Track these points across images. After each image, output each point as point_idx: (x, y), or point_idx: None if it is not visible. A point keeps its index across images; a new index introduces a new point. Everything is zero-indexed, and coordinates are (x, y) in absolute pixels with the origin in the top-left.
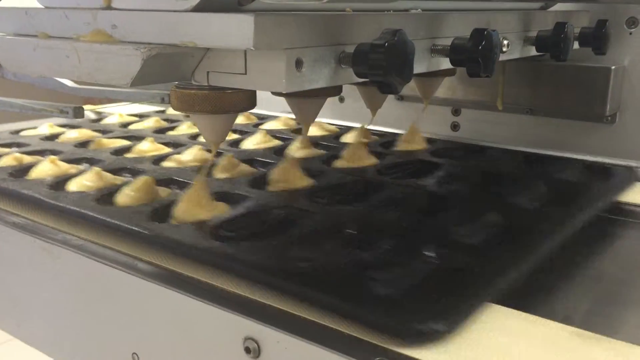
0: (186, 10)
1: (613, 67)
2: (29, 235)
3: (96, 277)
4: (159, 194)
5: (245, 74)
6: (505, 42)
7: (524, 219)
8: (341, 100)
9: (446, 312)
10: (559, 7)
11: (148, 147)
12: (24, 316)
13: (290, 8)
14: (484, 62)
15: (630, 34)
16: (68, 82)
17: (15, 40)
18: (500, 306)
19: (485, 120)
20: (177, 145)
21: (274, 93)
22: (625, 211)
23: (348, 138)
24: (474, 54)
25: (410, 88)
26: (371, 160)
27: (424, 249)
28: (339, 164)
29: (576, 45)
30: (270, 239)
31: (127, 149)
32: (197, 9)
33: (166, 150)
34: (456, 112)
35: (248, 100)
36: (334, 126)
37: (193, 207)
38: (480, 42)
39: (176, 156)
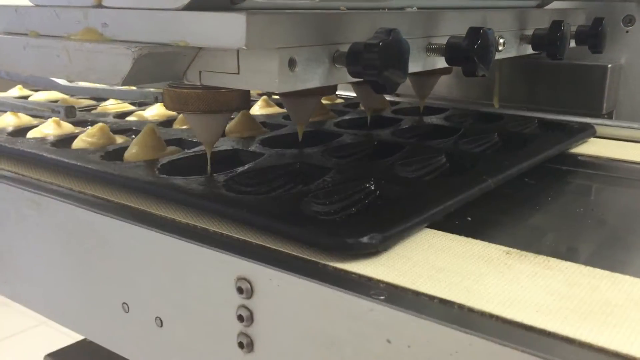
0: (177, 9)
1: (610, 66)
2: (15, 187)
3: (84, 225)
4: (116, 140)
5: (238, 73)
6: (501, 40)
7: (468, 160)
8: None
9: (380, 230)
10: (555, 5)
11: (113, 105)
12: (11, 272)
13: (284, 7)
14: (480, 61)
15: (627, 32)
16: (60, 81)
17: (5, 38)
18: (437, 230)
19: None
20: (142, 104)
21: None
22: (578, 162)
23: None
24: (470, 53)
25: (407, 86)
26: (329, 116)
27: (368, 183)
28: None
29: (572, 43)
30: (219, 175)
31: (93, 107)
32: (188, 7)
33: (130, 107)
34: None
35: (242, 99)
36: None
37: (142, 149)
38: (476, 41)
39: (139, 112)
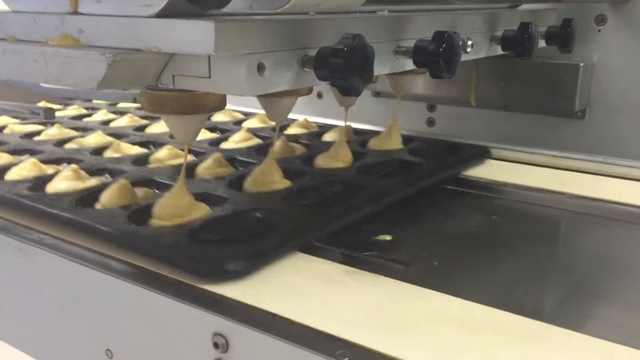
0: (150, 17)
1: (581, 64)
2: (3, 235)
3: (70, 276)
4: (89, 182)
5: (210, 77)
6: (470, 42)
7: (352, 187)
8: (319, 96)
9: (248, 256)
10: (528, 6)
11: (92, 136)
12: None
13: (254, 13)
14: (446, 63)
15: (599, 31)
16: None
17: None
18: (303, 254)
19: (460, 116)
20: (120, 137)
21: None
22: (470, 183)
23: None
24: (436, 56)
25: (387, 84)
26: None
27: (255, 212)
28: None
29: (543, 43)
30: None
31: (69, 140)
32: (160, 15)
33: (109, 139)
34: (432, 108)
35: (218, 101)
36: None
37: (114, 195)
38: (441, 44)
39: (115, 146)
